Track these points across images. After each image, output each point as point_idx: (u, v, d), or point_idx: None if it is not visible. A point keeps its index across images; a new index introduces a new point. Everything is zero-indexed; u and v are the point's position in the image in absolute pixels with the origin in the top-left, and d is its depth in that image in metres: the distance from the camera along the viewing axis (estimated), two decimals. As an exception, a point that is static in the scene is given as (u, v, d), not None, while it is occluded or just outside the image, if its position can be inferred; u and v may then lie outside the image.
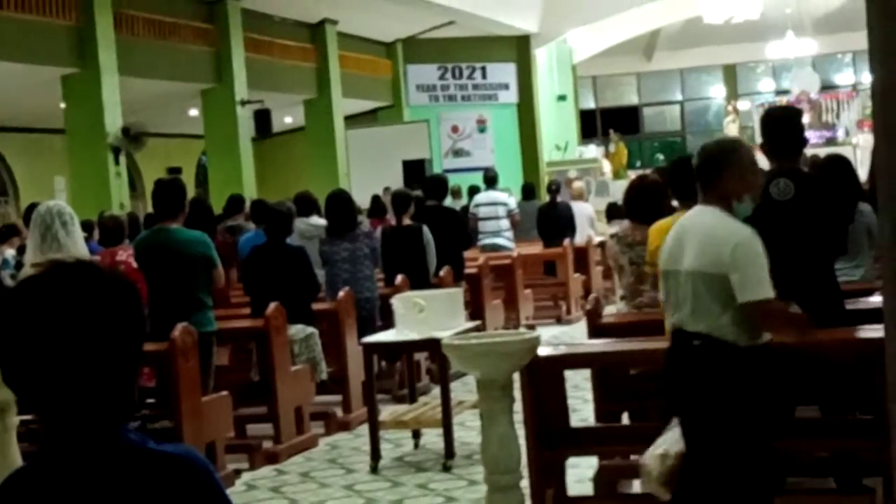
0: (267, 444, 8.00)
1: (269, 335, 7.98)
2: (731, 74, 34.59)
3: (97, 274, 1.84)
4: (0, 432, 5.31)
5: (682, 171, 5.76)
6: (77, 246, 6.62)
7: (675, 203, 6.12)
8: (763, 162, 5.80)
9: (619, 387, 6.14)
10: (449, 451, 7.27)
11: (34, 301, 1.80)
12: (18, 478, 1.85)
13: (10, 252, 11.21)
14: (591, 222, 16.45)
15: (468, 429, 7.96)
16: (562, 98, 29.73)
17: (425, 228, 10.32)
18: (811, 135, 22.43)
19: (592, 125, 33.57)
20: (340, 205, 9.85)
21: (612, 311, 7.20)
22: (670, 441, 4.33)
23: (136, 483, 1.78)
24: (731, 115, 29.25)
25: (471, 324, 7.95)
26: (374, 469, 7.34)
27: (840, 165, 7.02)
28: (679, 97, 35.63)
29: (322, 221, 10.51)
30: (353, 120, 24.57)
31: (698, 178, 4.45)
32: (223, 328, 7.87)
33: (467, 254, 11.85)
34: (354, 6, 21.72)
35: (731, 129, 28.71)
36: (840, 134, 27.04)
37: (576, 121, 31.26)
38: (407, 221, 10.49)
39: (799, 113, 5.89)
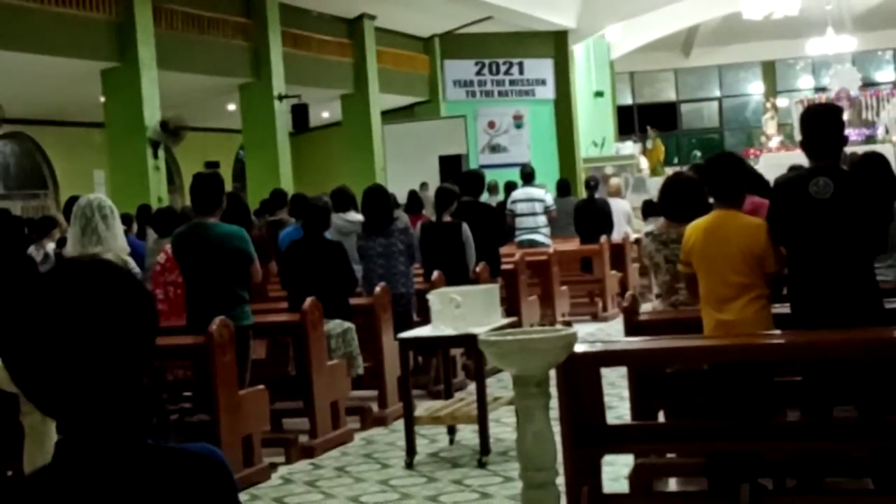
0: (303, 439, 8.03)
1: (306, 330, 8.01)
2: (769, 71, 34.36)
3: (104, 271, 1.81)
4: (39, 423, 5.37)
5: (718, 169, 5.72)
6: (117, 239, 6.67)
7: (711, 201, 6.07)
8: (802, 159, 5.77)
9: (656, 384, 6.12)
10: (484, 448, 7.27)
11: (38, 301, 1.77)
12: (37, 479, 1.83)
13: (51, 246, 11.28)
14: (628, 219, 16.40)
15: (504, 425, 7.96)
16: (599, 94, 29.65)
17: (465, 225, 10.32)
18: (850, 132, 22.24)
19: (630, 121, 33.45)
20: (377, 200, 9.86)
21: (648, 308, 7.18)
22: None
23: (154, 481, 1.75)
24: (770, 112, 29.04)
25: (507, 320, 7.95)
26: (410, 464, 7.35)
27: (877, 163, 6.96)
28: (717, 94, 35.44)
29: (359, 217, 10.53)
30: (389, 115, 24.60)
31: None
32: (260, 322, 7.90)
33: (504, 250, 11.84)
34: (392, 1, 21.75)
35: (770, 127, 28.52)
36: (880, 132, 26.78)
37: (613, 117, 31.18)
38: (447, 218, 10.49)
39: (839, 110, 5.84)
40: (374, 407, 9.00)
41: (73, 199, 7.79)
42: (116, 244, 6.61)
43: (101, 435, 1.77)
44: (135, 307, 1.80)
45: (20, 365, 1.77)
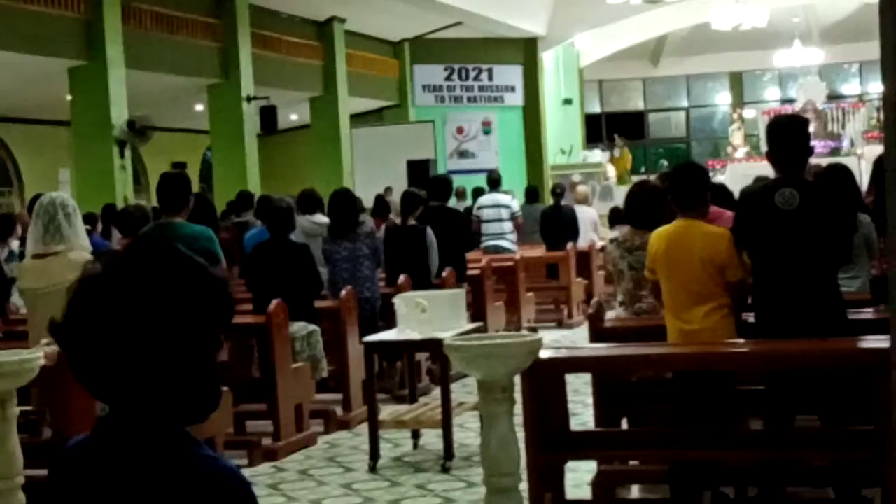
0: (266, 441, 8.00)
1: (271, 332, 7.98)
2: (737, 82, 34.56)
3: (168, 259, 1.82)
4: (0, 422, 5.31)
5: (682, 178, 5.75)
6: (79, 238, 6.62)
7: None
8: (769, 170, 5.80)
9: (620, 392, 6.14)
10: (448, 453, 7.26)
11: (102, 284, 1.79)
12: (75, 454, 1.85)
13: (15, 243, 11.20)
14: (594, 226, 16.46)
15: (467, 430, 7.96)
16: (567, 102, 29.72)
17: (429, 230, 10.31)
18: (816, 144, 22.35)
19: (598, 130, 33.54)
20: (343, 204, 9.85)
21: (612, 316, 7.20)
22: None
23: (172, 490, 1.76)
24: (737, 123, 29.21)
25: (472, 325, 7.94)
26: (373, 468, 7.34)
27: (841, 174, 7.01)
28: (685, 103, 35.61)
29: (325, 219, 10.51)
30: (358, 119, 24.57)
31: None
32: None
33: (470, 255, 11.85)
34: (363, 5, 21.72)
35: (737, 137, 28.68)
36: (845, 144, 26.98)
37: (581, 125, 31.25)
38: (412, 222, 10.48)
39: (805, 122, 5.88)
40: (339, 410, 8.98)
41: (37, 197, 7.73)
42: (79, 242, 6.56)
43: (138, 427, 1.78)
44: (199, 299, 1.80)
45: (78, 348, 1.78)
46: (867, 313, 5.90)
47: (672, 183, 5.83)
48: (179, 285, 1.78)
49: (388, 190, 17.46)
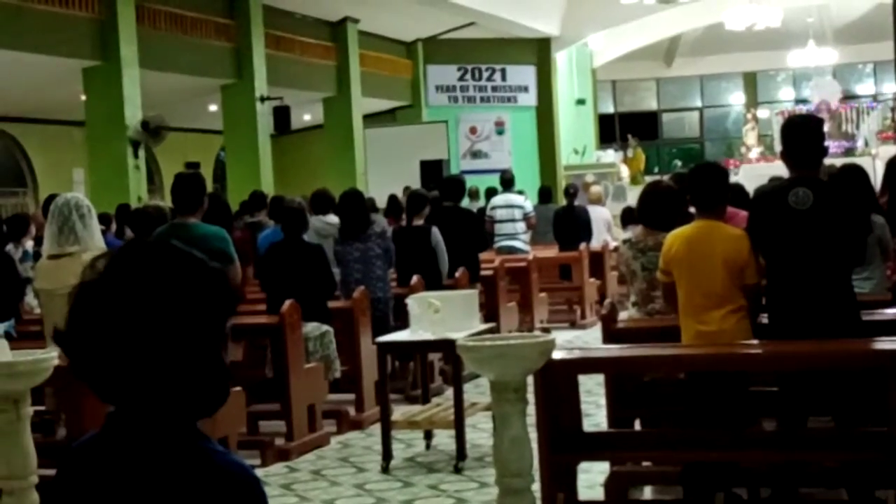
0: (279, 441, 8.01)
1: (284, 332, 7.99)
2: (751, 82, 34.47)
3: (169, 256, 1.82)
4: (14, 422, 5.33)
5: (702, 179, 5.73)
6: (94, 238, 6.64)
7: (692, 210, 6.07)
8: (782, 171, 5.79)
9: (632, 392, 6.13)
10: (461, 453, 7.26)
11: (106, 283, 1.79)
12: (83, 451, 1.85)
13: (29, 243, 11.23)
14: (608, 227, 16.43)
15: (480, 431, 7.96)
16: (581, 102, 29.70)
17: (434, 229, 10.30)
18: (830, 145, 22.24)
19: (611, 130, 33.48)
20: (353, 205, 9.84)
21: (624, 316, 7.19)
22: None
23: (182, 485, 1.76)
24: (751, 123, 29.12)
25: (485, 325, 7.94)
26: (386, 469, 7.34)
27: (855, 175, 6.99)
28: (698, 104, 35.52)
29: (338, 220, 10.51)
30: (371, 119, 24.58)
31: None
32: (238, 324, 7.88)
33: (483, 256, 11.85)
34: (376, 5, 21.74)
35: (750, 137, 28.60)
36: (859, 144, 26.88)
37: (594, 125, 31.22)
38: (418, 222, 10.47)
39: (820, 122, 5.86)
40: (351, 411, 8.99)
41: (51, 198, 7.75)
42: (94, 243, 6.58)
43: (147, 423, 1.77)
44: (200, 294, 1.79)
45: (83, 352, 1.78)
46: (882, 314, 5.88)
47: (692, 183, 5.80)
48: (178, 281, 1.78)
49: (407, 189, 17.48)
